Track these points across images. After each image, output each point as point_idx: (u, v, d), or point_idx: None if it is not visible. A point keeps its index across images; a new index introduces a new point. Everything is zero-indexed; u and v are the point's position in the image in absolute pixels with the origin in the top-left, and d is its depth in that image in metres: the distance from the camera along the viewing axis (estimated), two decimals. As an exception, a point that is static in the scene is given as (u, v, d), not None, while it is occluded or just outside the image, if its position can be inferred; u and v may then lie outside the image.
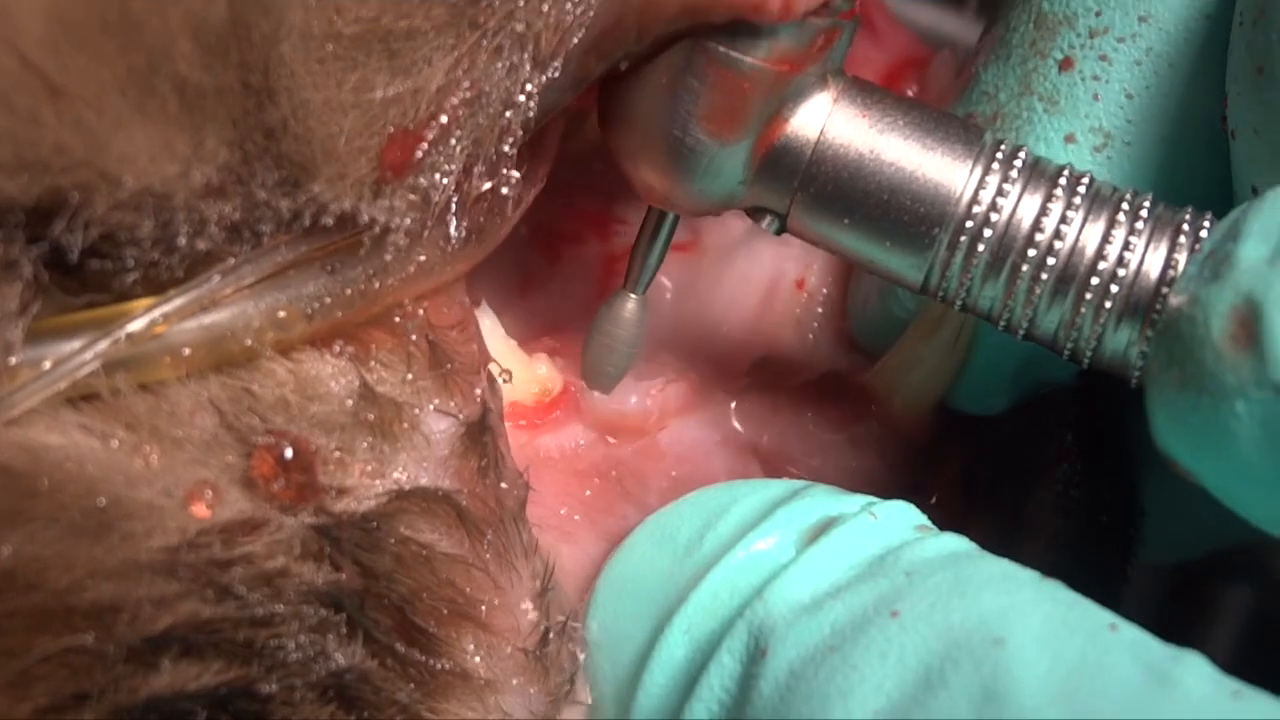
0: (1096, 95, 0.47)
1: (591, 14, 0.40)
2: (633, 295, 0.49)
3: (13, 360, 0.35)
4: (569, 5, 0.40)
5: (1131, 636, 0.37)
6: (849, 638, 0.39)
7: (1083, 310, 0.42)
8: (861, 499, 0.44)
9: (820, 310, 0.55)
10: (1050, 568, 0.51)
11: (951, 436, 0.53)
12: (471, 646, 0.41)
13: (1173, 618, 0.70)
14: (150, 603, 0.37)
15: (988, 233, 0.43)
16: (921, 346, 0.51)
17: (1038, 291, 0.43)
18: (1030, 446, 0.54)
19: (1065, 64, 0.47)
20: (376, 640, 0.40)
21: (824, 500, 0.44)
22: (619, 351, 0.50)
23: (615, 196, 0.56)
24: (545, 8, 0.39)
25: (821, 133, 0.44)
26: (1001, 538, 0.52)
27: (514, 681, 0.42)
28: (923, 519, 0.44)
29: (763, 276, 0.55)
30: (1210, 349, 0.38)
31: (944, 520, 0.47)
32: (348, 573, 0.39)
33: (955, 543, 0.42)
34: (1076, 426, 0.53)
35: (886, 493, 0.47)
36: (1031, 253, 0.42)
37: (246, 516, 0.38)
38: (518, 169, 0.42)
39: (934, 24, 0.70)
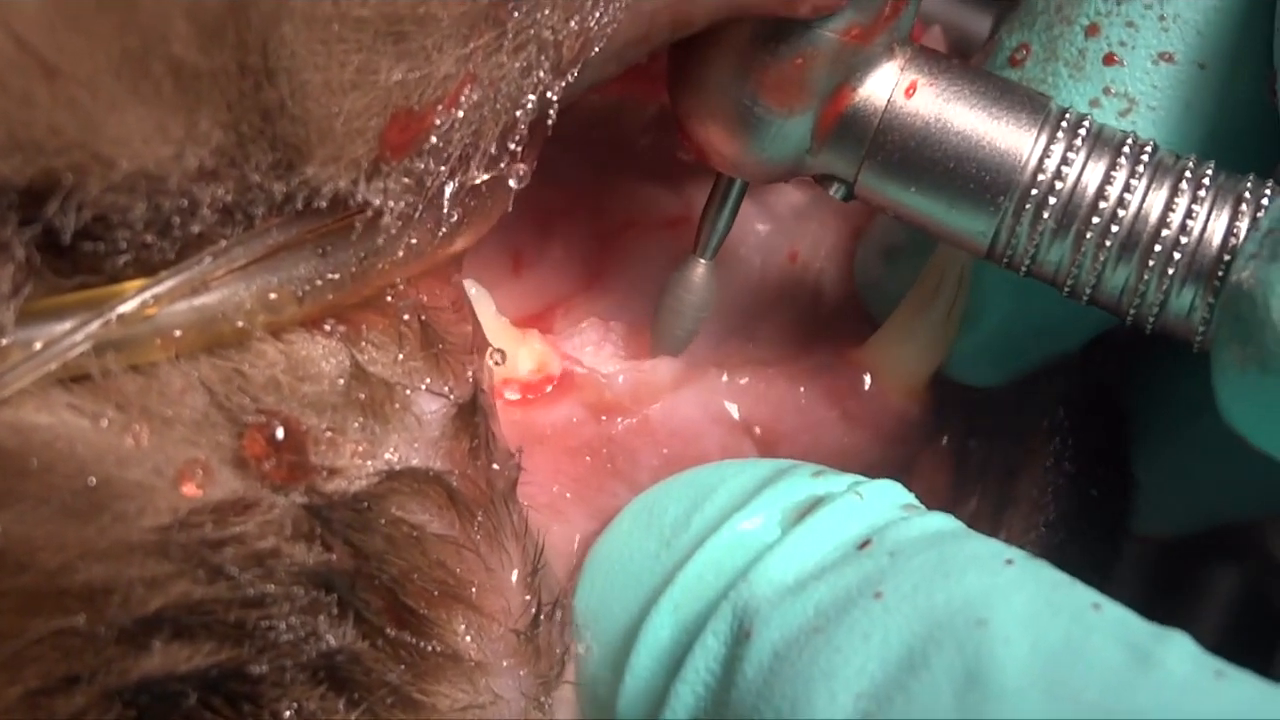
0: (1122, 61, 0.47)
1: (615, 27, 0.40)
2: (702, 261, 0.50)
3: (4, 341, 0.35)
4: (595, 18, 0.40)
5: (1115, 616, 0.37)
6: (832, 619, 0.39)
7: (1146, 276, 0.43)
8: (848, 478, 0.44)
9: (814, 284, 0.55)
10: (1041, 542, 0.52)
11: (944, 412, 0.53)
12: (462, 628, 0.41)
13: (1162, 596, 0.70)
14: (142, 583, 0.37)
15: (1053, 200, 0.43)
16: (915, 321, 0.51)
17: (1102, 257, 0.43)
18: (1022, 421, 0.54)
19: (1091, 30, 0.47)
20: (367, 621, 0.40)
21: (810, 480, 0.44)
22: (687, 316, 0.51)
23: (604, 170, 0.56)
24: (572, 20, 0.39)
25: (889, 102, 0.44)
26: (993, 513, 0.53)
27: (505, 663, 0.42)
28: (909, 498, 0.45)
29: (754, 250, 0.55)
30: (1271, 331, 0.38)
31: (935, 497, 0.47)
32: (339, 553, 0.39)
33: (941, 522, 0.42)
34: (1069, 401, 0.54)
35: (879, 470, 0.47)
36: (1096, 219, 0.43)
37: (238, 496, 0.38)
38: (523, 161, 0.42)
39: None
